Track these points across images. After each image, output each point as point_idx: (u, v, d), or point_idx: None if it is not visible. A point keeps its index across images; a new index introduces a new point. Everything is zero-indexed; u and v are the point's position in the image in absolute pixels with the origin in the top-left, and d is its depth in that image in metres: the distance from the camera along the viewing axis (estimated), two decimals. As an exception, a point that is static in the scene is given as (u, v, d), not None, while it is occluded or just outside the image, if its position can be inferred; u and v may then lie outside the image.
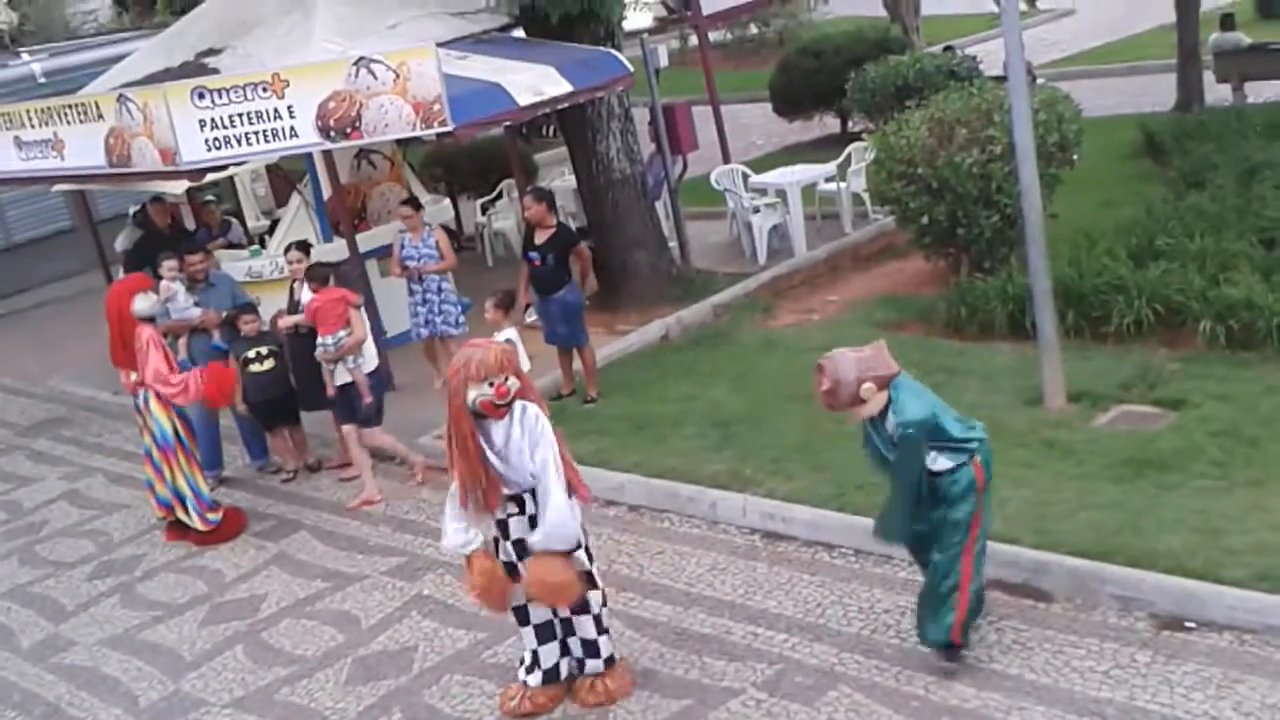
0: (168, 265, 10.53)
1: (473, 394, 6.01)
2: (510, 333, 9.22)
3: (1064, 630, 6.40)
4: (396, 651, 7.49)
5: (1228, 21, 16.68)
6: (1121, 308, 9.49)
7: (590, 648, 6.51)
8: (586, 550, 6.38)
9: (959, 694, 6.06)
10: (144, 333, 9.31)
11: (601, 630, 6.50)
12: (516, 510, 6.27)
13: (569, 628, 6.49)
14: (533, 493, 6.18)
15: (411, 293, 11.13)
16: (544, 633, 6.52)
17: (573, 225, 11.48)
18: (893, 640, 6.54)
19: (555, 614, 6.45)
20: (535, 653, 6.56)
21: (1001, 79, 10.06)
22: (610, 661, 6.55)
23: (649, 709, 6.43)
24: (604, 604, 6.51)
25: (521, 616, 6.50)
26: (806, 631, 6.82)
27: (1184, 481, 7.35)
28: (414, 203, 11.30)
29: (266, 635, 8.02)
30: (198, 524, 9.44)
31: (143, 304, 9.43)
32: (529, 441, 6.09)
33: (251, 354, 10.01)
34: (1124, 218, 11.43)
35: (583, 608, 6.40)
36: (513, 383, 6.05)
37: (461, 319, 10.99)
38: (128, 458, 11.39)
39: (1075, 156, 11.31)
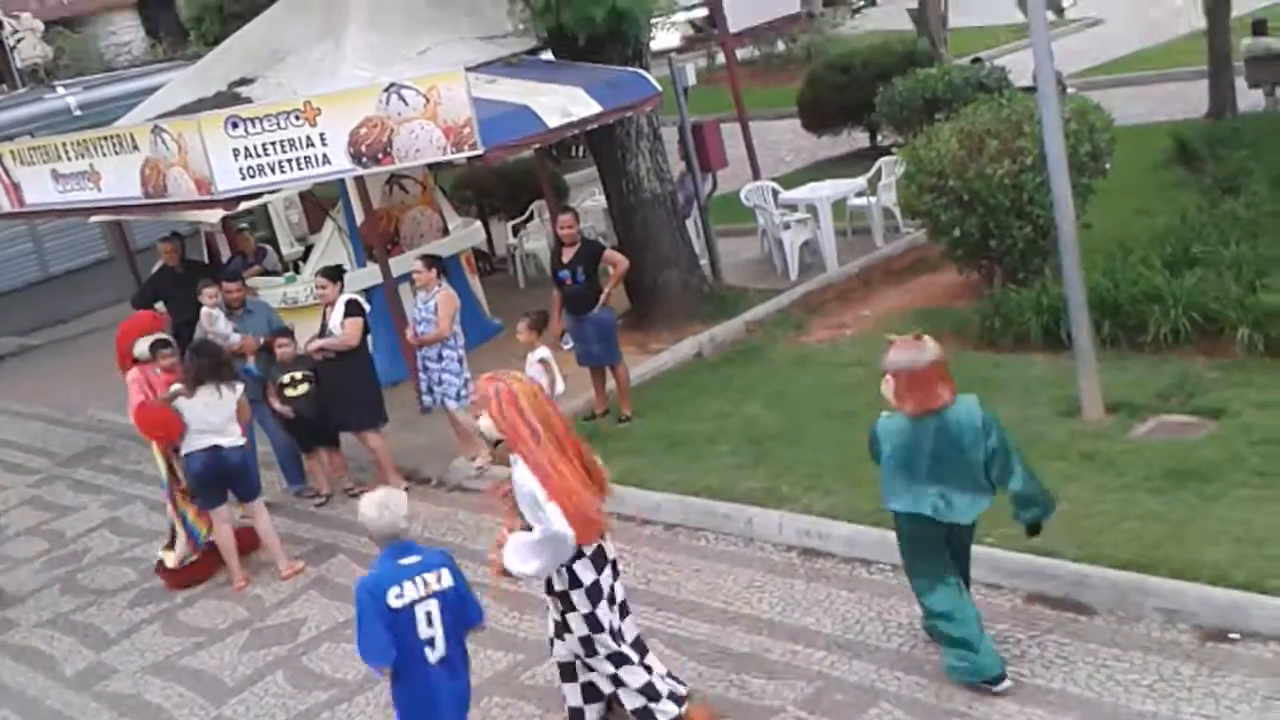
0: (207, 292, 10.65)
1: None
2: (543, 352, 9.26)
3: (1107, 643, 6.35)
4: (436, 674, 7.49)
5: (1260, 27, 16.52)
6: (1158, 317, 9.41)
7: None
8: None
9: (1001, 710, 6.01)
10: (130, 373, 9.62)
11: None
12: None
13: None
14: None
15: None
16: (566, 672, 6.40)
17: (604, 244, 11.48)
18: (933, 656, 6.49)
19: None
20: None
21: (1031, 89, 10.01)
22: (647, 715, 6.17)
23: (689, 728, 6.40)
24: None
25: (574, 673, 6.37)
26: (846, 649, 6.79)
27: (1226, 491, 7.28)
28: (428, 260, 10.29)
29: (307, 660, 8.06)
30: (170, 559, 9.52)
31: (139, 347, 9.79)
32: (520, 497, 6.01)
33: (286, 379, 10.10)
34: (1159, 226, 11.35)
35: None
36: (483, 424, 6.05)
37: (464, 391, 9.88)
38: (167, 485, 11.49)
39: (1108, 166, 11.24)
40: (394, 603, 5.41)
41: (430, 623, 5.49)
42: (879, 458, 6.26)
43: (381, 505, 5.52)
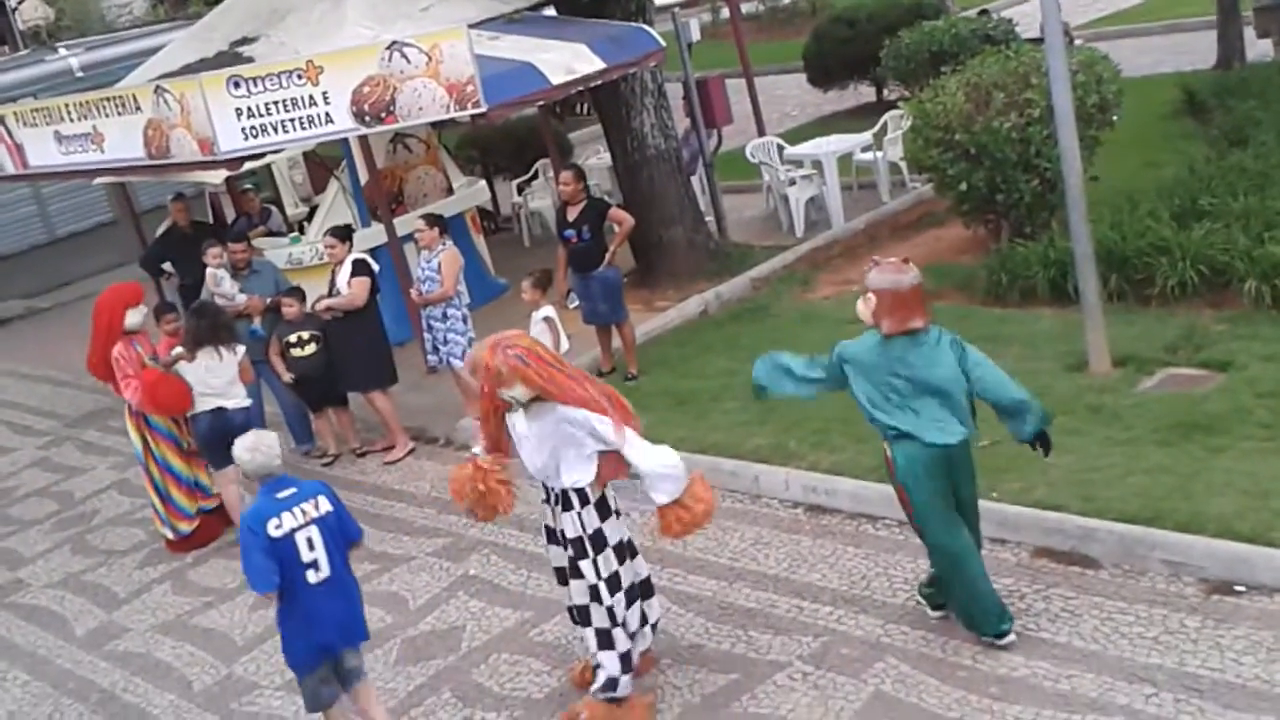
0: (211, 252, 10.64)
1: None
2: (548, 310, 9.24)
3: (1112, 596, 6.36)
4: (445, 631, 7.55)
5: (1269, -24, 16.37)
6: (1165, 270, 9.37)
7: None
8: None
9: (1007, 663, 6.03)
10: (117, 347, 9.42)
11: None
12: (560, 508, 6.22)
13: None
14: (565, 492, 6.13)
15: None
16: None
17: (610, 202, 11.43)
18: (938, 612, 6.51)
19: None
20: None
21: (1038, 41, 9.93)
22: (611, 686, 6.19)
23: (696, 683, 6.45)
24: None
25: (582, 618, 6.38)
26: (852, 604, 6.81)
27: (1232, 444, 7.27)
28: (430, 218, 10.25)
29: (316, 618, 8.10)
30: (168, 533, 9.57)
31: (133, 318, 9.53)
32: (560, 442, 6.01)
33: (293, 338, 10.10)
34: (1166, 178, 11.27)
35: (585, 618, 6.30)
36: (515, 393, 5.96)
37: (470, 350, 10.07)
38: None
39: (1115, 117, 11.15)
40: (274, 532, 5.84)
41: (311, 547, 5.92)
42: (822, 374, 6.53)
43: (253, 449, 6.00)
